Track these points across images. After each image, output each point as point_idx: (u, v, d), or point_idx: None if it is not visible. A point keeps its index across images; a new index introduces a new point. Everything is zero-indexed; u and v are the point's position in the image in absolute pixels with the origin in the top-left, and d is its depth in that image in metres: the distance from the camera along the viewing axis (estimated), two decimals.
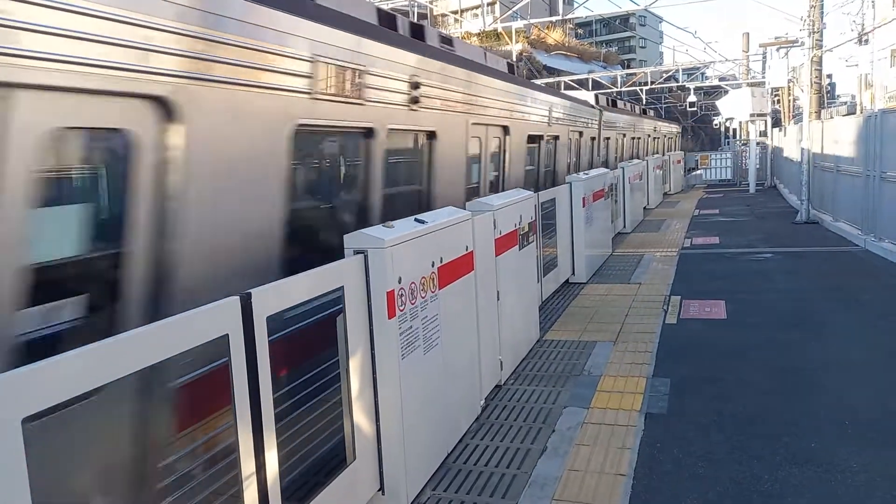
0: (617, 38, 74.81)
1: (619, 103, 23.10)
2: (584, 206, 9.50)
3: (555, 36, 41.34)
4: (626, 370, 5.88)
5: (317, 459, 3.34)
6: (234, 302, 2.66)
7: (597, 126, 15.56)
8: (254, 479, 2.73)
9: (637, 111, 25.52)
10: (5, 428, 1.79)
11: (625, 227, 14.59)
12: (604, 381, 5.63)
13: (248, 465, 2.69)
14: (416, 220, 4.20)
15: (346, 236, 3.71)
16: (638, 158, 19.86)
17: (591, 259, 10.00)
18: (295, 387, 3.18)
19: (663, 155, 25.22)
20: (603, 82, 35.05)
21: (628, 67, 52.48)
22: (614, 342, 6.70)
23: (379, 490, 3.75)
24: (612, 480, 4.03)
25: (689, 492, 3.90)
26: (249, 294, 2.73)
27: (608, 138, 17.38)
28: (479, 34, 28.21)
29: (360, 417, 3.57)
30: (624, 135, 19.99)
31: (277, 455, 2.86)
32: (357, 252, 3.61)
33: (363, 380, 3.60)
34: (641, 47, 75.68)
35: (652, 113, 33.18)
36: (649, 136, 25.96)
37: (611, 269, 10.58)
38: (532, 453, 4.42)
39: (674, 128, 36.04)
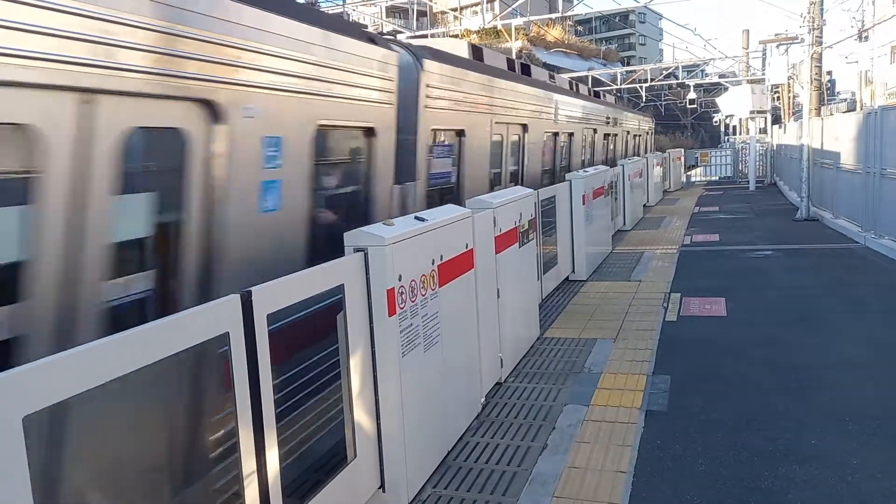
0: (616, 35, 74.73)
1: (535, 70, 12.58)
2: (584, 204, 9.50)
3: (554, 33, 41.26)
4: (627, 367, 5.88)
5: (318, 457, 3.35)
6: (235, 300, 2.66)
7: (392, 103, 5.76)
8: (255, 477, 2.73)
9: (575, 88, 15.52)
10: (6, 426, 1.79)
11: (625, 224, 14.57)
12: (604, 379, 5.63)
13: (248, 464, 2.70)
14: (416, 217, 4.19)
15: (346, 234, 3.70)
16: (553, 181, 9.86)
17: (591, 256, 10.00)
18: (296, 385, 3.18)
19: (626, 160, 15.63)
20: (603, 79, 34.99)
21: (628, 65, 52.50)
22: (614, 339, 6.70)
23: (379, 487, 3.75)
24: (613, 478, 4.03)
25: (689, 489, 3.90)
26: (250, 292, 2.72)
27: (460, 132, 7.69)
28: (478, 31, 28.16)
29: (361, 415, 3.57)
30: (525, 127, 10.11)
31: (278, 453, 2.87)
32: (357, 250, 3.61)
33: (363, 378, 3.60)
34: (641, 44, 75.52)
35: (612, 99, 22.04)
36: (596, 131, 16.12)
37: (611, 266, 10.58)
38: (532, 451, 4.42)
39: (645, 122, 27.31)
